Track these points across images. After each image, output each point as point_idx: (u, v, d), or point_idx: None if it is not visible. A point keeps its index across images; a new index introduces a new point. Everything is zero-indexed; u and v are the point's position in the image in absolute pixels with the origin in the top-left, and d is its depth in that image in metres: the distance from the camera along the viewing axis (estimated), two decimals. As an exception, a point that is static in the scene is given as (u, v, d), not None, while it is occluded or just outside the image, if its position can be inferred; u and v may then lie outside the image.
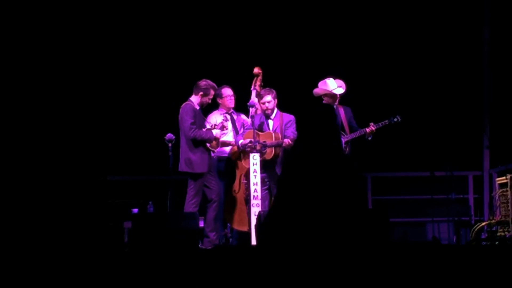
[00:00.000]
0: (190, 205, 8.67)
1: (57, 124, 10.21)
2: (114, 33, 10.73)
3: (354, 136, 8.85)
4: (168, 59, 10.90)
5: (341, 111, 8.96)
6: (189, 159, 8.71)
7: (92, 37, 10.58)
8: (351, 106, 9.18)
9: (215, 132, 8.73)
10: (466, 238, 9.92)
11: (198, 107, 8.85)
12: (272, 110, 8.93)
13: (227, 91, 9.19)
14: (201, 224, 9.08)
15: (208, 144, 8.75)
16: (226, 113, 9.19)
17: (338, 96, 8.92)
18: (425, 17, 11.13)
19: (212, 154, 9.00)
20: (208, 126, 8.85)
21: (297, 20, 11.00)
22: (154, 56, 10.89)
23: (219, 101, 9.18)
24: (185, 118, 8.72)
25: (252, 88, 9.03)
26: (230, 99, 9.18)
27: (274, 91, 8.95)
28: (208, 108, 9.20)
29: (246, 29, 10.90)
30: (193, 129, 8.67)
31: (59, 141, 10.20)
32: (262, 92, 8.91)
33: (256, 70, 9.11)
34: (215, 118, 9.12)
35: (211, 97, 8.89)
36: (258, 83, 9.06)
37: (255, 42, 10.78)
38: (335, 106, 8.83)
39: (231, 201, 8.99)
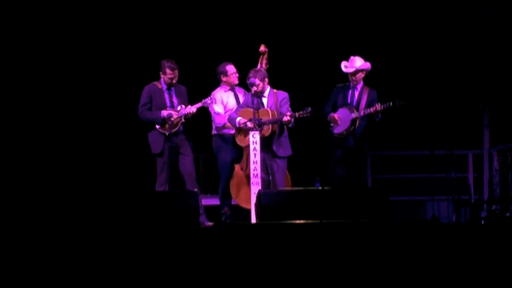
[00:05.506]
0: (157, 185, 8.71)
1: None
2: (120, 18, 10.79)
3: (361, 114, 8.80)
4: (176, 38, 10.86)
5: (365, 92, 8.92)
6: (148, 141, 8.74)
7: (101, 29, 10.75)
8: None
9: (166, 113, 8.63)
10: (465, 217, 9.91)
11: (165, 86, 8.78)
12: (263, 91, 8.78)
13: (232, 69, 9.05)
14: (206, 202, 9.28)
15: (157, 126, 8.67)
16: (230, 90, 9.09)
17: (350, 75, 8.88)
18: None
19: (214, 132, 8.97)
20: (216, 103, 8.83)
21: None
22: (159, 35, 10.86)
23: (224, 78, 9.02)
24: (140, 98, 8.81)
25: (258, 67, 8.91)
26: (235, 76, 9.07)
27: (261, 71, 8.74)
28: (211, 85, 9.12)
29: (254, 6, 10.85)
30: (140, 111, 8.73)
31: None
32: (250, 74, 8.73)
33: (262, 48, 9.00)
34: (220, 95, 9.04)
35: (168, 75, 8.70)
36: (264, 61, 8.96)
37: (262, 20, 10.73)
38: (358, 86, 8.91)
39: (238, 178, 8.86)
